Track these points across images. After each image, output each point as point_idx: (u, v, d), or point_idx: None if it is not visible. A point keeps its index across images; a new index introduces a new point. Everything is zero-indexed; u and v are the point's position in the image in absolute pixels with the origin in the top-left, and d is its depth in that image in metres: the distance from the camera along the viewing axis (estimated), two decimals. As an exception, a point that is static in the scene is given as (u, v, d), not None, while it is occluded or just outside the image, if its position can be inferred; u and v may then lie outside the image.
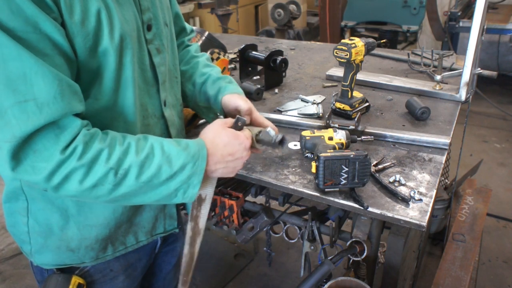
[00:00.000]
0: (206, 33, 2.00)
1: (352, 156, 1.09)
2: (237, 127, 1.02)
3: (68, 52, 0.80)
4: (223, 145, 0.96)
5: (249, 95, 1.76)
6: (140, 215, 1.11)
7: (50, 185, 0.79)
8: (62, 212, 0.99)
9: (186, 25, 1.40)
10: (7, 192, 1.01)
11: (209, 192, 1.08)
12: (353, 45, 1.46)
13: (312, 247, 1.43)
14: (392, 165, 1.27)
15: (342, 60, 1.49)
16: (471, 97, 1.69)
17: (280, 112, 1.65)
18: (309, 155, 1.31)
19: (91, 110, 0.88)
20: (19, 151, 0.76)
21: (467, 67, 1.60)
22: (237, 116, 1.03)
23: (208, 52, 1.94)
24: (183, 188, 0.91)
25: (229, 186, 1.52)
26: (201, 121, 1.53)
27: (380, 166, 1.25)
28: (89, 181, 0.80)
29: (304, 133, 1.30)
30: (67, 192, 0.81)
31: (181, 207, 1.35)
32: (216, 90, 1.21)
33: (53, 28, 0.76)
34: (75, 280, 1.06)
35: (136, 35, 0.94)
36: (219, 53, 1.96)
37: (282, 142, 1.11)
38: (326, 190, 1.14)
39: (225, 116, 1.21)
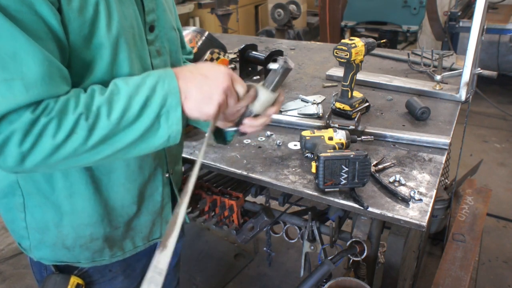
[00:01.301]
0: (206, 33, 2.00)
1: (352, 156, 1.09)
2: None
3: (61, 38, 0.79)
4: (193, 66, 0.89)
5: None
6: (138, 218, 1.10)
7: (23, 149, 0.75)
8: (56, 209, 0.99)
9: (187, 45, 1.38)
10: (3, 187, 1.00)
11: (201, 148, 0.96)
12: (353, 45, 1.46)
13: (312, 247, 1.43)
14: (392, 165, 1.27)
15: (342, 60, 1.49)
16: (471, 97, 1.69)
17: (280, 112, 1.65)
18: (309, 155, 1.31)
19: None
20: None
21: (467, 67, 1.60)
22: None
23: (208, 52, 1.94)
24: (164, 114, 0.82)
25: (229, 186, 1.52)
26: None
27: (380, 166, 1.25)
28: (62, 132, 0.76)
29: (304, 133, 1.30)
30: (41, 154, 0.77)
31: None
32: None
33: (49, 11, 0.76)
34: (74, 280, 1.06)
35: (135, 33, 0.93)
36: (219, 53, 1.96)
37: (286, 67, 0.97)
38: (326, 190, 1.14)
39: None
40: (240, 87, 0.91)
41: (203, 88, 0.85)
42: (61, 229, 1.01)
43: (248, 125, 1.00)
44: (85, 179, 0.97)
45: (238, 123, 1.00)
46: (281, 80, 0.97)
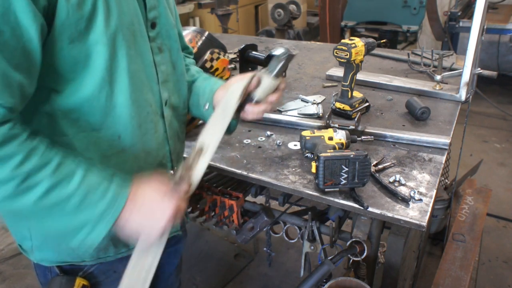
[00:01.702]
0: (206, 33, 2.00)
1: (352, 156, 1.09)
2: (176, 187, 0.92)
3: (34, 46, 0.76)
4: (141, 201, 0.87)
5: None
6: None
7: None
8: None
9: (189, 46, 1.39)
10: None
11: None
12: (353, 45, 1.46)
13: (312, 247, 1.43)
14: (392, 165, 1.27)
15: (342, 60, 1.49)
16: (471, 97, 1.69)
17: (280, 112, 1.65)
18: (309, 155, 1.31)
19: (74, 100, 0.86)
20: None
21: (467, 67, 1.60)
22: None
23: (208, 52, 1.94)
24: (91, 225, 0.83)
25: (229, 186, 1.52)
26: (200, 121, 1.53)
27: (380, 166, 1.25)
28: None
29: (304, 133, 1.30)
30: None
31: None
32: (208, 81, 1.20)
33: (29, 20, 0.73)
34: (79, 281, 1.05)
35: (135, 30, 0.93)
36: (219, 53, 1.95)
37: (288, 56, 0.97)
38: (326, 190, 1.14)
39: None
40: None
41: (146, 225, 0.88)
42: None
43: (250, 111, 1.02)
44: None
45: (240, 110, 1.01)
46: (284, 67, 0.98)
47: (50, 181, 0.78)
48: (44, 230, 0.86)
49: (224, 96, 1.05)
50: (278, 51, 0.96)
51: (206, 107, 1.15)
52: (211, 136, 1.00)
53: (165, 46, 1.05)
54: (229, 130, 1.14)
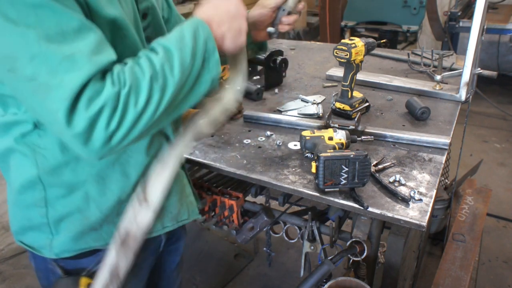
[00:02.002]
0: (206, 33, 2.00)
1: (352, 156, 1.09)
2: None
3: (87, 14, 0.82)
4: (214, 7, 0.95)
5: (249, 95, 1.76)
6: (167, 199, 1.11)
7: (111, 127, 0.76)
8: (82, 195, 0.98)
9: None
10: (22, 182, 0.98)
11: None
12: (353, 45, 1.46)
13: (312, 247, 1.43)
14: (392, 165, 1.27)
15: (342, 60, 1.49)
16: (471, 97, 1.69)
17: (280, 112, 1.65)
18: (309, 155, 1.31)
19: None
20: (76, 106, 0.74)
21: (467, 67, 1.60)
22: None
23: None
24: (206, 59, 0.88)
25: (229, 186, 1.52)
26: (196, 110, 1.52)
27: (380, 166, 1.25)
28: (141, 99, 0.78)
29: (304, 133, 1.30)
30: (126, 125, 0.78)
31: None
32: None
33: None
34: (85, 280, 1.04)
35: (131, 19, 0.95)
36: (219, 53, 1.96)
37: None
38: (326, 190, 1.14)
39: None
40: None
41: (233, 26, 0.94)
42: (88, 214, 1.01)
43: (286, 22, 1.16)
44: (112, 162, 0.98)
45: (275, 24, 1.16)
46: None
47: (164, 59, 0.82)
48: (187, 101, 0.89)
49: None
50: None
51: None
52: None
53: (155, 36, 1.06)
54: (264, 47, 1.32)
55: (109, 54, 0.80)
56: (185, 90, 0.86)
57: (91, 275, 1.08)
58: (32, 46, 0.73)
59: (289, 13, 1.15)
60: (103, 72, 0.78)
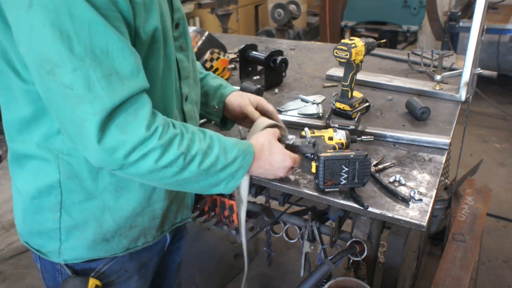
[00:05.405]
0: (206, 33, 2.00)
1: (352, 156, 1.09)
2: (284, 144, 1.13)
3: (132, 33, 0.86)
4: (269, 154, 1.04)
5: (249, 95, 1.76)
6: (169, 207, 1.14)
7: (127, 161, 0.82)
8: (98, 203, 0.99)
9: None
10: (40, 187, 0.97)
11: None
12: (353, 45, 1.46)
13: (312, 247, 1.43)
14: (392, 165, 1.27)
15: (342, 60, 1.49)
16: (471, 97, 1.69)
17: (280, 112, 1.65)
18: (309, 155, 1.31)
19: None
20: (105, 125, 0.79)
21: (467, 67, 1.60)
22: (289, 136, 1.17)
23: (208, 52, 1.94)
24: (228, 179, 0.97)
25: (229, 186, 1.51)
26: (201, 120, 1.52)
27: (380, 166, 1.25)
28: (163, 161, 0.85)
29: (304, 133, 1.30)
30: (138, 169, 0.84)
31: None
32: (218, 84, 1.28)
33: (127, 8, 0.81)
34: (93, 282, 1.04)
35: (167, 28, 0.98)
36: (219, 53, 1.96)
37: (314, 144, 1.15)
38: (326, 190, 1.14)
39: (224, 110, 1.26)
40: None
41: (269, 173, 1.07)
42: (102, 223, 1.01)
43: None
44: None
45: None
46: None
47: (202, 150, 0.91)
48: (196, 190, 1.00)
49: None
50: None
51: (216, 108, 1.26)
52: None
53: (186, 45, 1.10)
54: (227, 127, 1.33)
55: (142, 81, 0.84)
56: (199, 185, 0.95)
57: (99, 276, 1.08)
58: (77, 58, 0.76)
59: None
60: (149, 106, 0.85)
